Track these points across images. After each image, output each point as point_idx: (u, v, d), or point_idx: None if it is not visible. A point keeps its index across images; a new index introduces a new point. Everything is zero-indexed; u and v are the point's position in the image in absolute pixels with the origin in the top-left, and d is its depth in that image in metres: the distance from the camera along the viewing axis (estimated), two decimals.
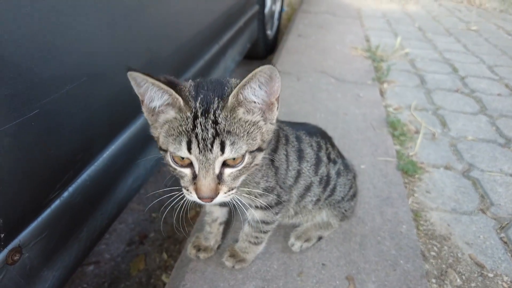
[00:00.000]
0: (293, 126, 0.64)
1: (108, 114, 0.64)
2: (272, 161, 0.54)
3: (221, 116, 0.40)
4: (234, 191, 0.45)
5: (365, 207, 0.79)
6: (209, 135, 0.40)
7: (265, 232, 0.60)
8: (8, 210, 0.45)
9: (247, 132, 0.42)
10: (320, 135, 0.67)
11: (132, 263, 0.97)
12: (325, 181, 0.63)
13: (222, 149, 0.40)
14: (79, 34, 0.52)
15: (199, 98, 0.41)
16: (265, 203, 0.53)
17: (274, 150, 0.55)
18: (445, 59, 1.80)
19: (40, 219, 0.53)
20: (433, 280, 0.66)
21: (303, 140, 0.62)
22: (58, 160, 0.53)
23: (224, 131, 0.40)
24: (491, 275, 0.68)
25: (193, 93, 0.42)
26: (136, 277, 0.94)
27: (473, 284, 0.66)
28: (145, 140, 0.75)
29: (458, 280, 0.66)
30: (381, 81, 1.47)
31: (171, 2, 0.82)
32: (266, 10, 2.22)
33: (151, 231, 1.07)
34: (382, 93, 1.38)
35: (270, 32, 2.51)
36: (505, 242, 0.75)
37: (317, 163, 0.61)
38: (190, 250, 0.65)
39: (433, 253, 0.71)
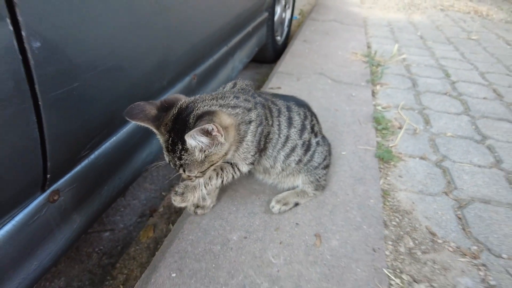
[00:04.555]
0: (284, 98, 0.79)
1: (128, 97, 0.80)
2: (268, 133, 0.69)
3: (183, 156, 0.60)
4: (200, 178, 0.65)
5: (340, 184, 0.92)
6: (176, 163, 0.61)
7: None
8: (55, 158, 0.61)
9: (199, 162, 0.61)
10: (307, 107, 0.81)
11: (142, 231, 1.13)
12: (307, 146, 0.77)
13: (183, 171, 0.62)
14: (110, 31, 0.68)
15: (170, 139, 0.60)
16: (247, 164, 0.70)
17: (271, 124, 0.70)
18: (440, 65, 1.91)
19: (73, 171, 0.69)
20: (390, 242, 0.79)
21: (292, 109, 0.77)
22: (89, 125, 0.69)
23: (184, 164, 0.61)
24: (440, 241, 0.80)
25: (169, 126, 0.60)
26: (145, 243, 1.09)
27: (423, 247, 0.78)
28: None
29: (411, 243, 0.79)
30: (375, 83, 1.59)
31: (186, 7, 0.98)
32: (276, 17, 2.37)
33: (160, 206, 1.21)
34: (374, 94, 1.51)
35: (279, 38, 2.67)
36: (460, 218, 0.87)
37: (302, 129, 0.76)
38: (189, 207, 0.80)
39: (394, 223, 0.84)
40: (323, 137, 0.83)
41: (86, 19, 0.60)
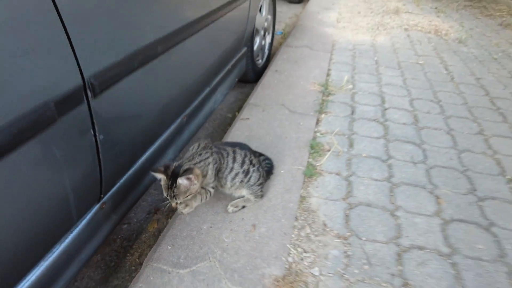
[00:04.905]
0: (232, 145, 1.32)
1: (140, 143, 1.34)
2: (219, 169, 1.23)
3: (174, 190, 1.11)
4: (183, 204, 1.16)
5: (274, 193, 1.46)
6: (171, 195, 1.13)
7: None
8: (105, 185, 1.15)
9: (184, 193, 1.13)
10: (247, 149, 1.35)
11: (149, 224, 1.67)
12: (246, 172, 1.31)
13: (174, 199, 1.12)
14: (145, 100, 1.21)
15: (170, 180, 1.11)
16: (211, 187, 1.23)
17: (222, 163, 1.24)
18: (381, 92, 2.43)
19: (113, 190, 1.23)
20: (296, 230, 1.33)
21: (236, 152, 1.30)
22: (122, 165, 1.23)
23: (175, 195, 1.13)
24: (328, 229, 1.34)
25: (170, 174, 1.11)
26: (152, 232, 1.63)
27: (316, 233, 1.32)
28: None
29: (309, 230, 1.33)
30: (321, 112, 2.12)
31: (182, 62, 1.47)
32: (255, 47, 2.87)
33: (162, 206, 1.75)
34: (318, 122, 2.03)
35: (260, 61, 3.18)
36: (346, 216, 1.41)
37: (242, 163, 1.29)
38: (179, 211, 1.34)
39: (302, 218, 1.38)
40: (259, 166, 1.37)
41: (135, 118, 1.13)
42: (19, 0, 0.67)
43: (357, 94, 2.38)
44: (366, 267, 1.21)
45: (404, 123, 2.07)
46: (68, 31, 0.78)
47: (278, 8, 5.60)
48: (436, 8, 5.24)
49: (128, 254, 1.50)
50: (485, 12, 5.16)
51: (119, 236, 1.60)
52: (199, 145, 1.28)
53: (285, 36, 3.74)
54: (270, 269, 1.17)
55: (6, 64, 0.65)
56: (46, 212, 0.83)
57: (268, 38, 3.27)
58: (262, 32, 2.97)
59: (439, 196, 1.54)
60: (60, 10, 0.75)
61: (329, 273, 1.17)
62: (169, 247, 1.22)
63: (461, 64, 3.05)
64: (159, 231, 1.56)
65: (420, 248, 1.29)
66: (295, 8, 5.69)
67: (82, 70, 0.83)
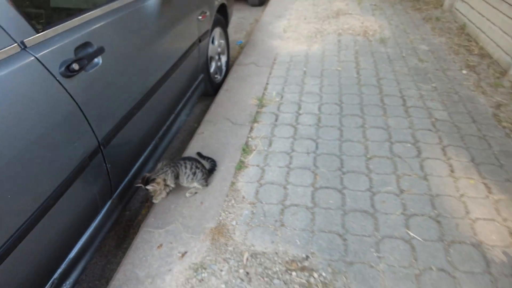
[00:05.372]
0: (183, 159, 2.29)
1: (132, 158, 2.30)
2: (178, 175, 2.21)
3: (147, 189, 2.09)
4: (157, 196, 2.13)
5: (215, 182, 2.44)
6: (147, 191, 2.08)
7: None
8: (114, 190, 2.11)
9: (154, 191, 2.12)
10: (193, 159, 2.32)
11: (143, 210, 2.66)
12: (194, 173, 2.27)
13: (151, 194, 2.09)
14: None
15: (146, 187, 2.09)
16: (171, 185, 2.21)
17: (178, 170, 2.21)
18: (300, 101, 3.36)
19: (118, 190, 2.20)
20: (225, 202, 2.31)
21: (186, 162, 2.27)
22: (123, 178, 2.22)
23: (150, 192, 2.09)
24: (244, 200, 2.32)
25: (145, 183, 2.08)
26: (144, 214, 2.62)
27: (237, 202, 2.30)
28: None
29: (233, 201, 2.31)
30: (254, 121, 3.07)
31: (153, 105, 2.44)
32: (212, 69, 3.75)
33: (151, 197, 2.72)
34: (251, 129, 2.98)
35: (219, 77, 4.05)
36: (257, 190, 2.39)
37: (191, 168, 2.26)
38: (155, 197, 2.32)
39: (230, 195, 2.36)
40: (202, 168, 2.33)
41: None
42: (40, 97, 1.62)
43: (282, 104, 3.32)
44: (262, 218, 2.20)
45: (309, 125, 3.03)
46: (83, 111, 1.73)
47: (240, 14, 6.39)
48: (375, 5, 6.04)
49: (131, 229, 2.49)
50: (416, 5, 5.97)
51: (124, 219, 2.59)
52: (162, 163, 2.24)
53: (241, 49, 4.61)
54: (209, 224, 2.16)
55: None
56: (88, 206, 1.80)
57: (224, 58, 4.15)
58: (217, 57, 3.85)
59: (317, 174, 2.52)
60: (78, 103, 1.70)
61: (241, 223, 2.17)
62: (153, 219, 2.21)
63: (372, 66, 3.97)
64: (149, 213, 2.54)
65: (296, 205, 2.28)
66: (256, 11, 6.42)
67: (97, 136, 1.79)
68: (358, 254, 1.96)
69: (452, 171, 2.52)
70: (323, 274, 1.86)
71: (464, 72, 3.93)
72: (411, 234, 2.07)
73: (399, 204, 2.26)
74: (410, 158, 2.63)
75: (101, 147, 1.80)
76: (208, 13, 3.21)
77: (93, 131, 1.75)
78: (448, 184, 2.41)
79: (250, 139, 2.88)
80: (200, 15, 3.00)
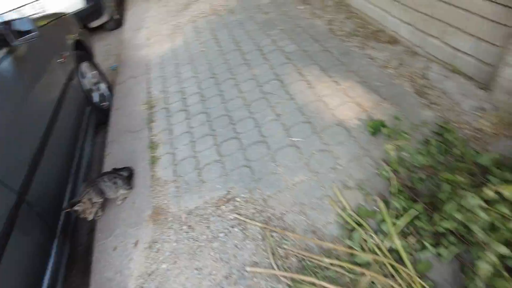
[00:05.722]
0: (101, 175, 2.61)
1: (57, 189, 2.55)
2: (101, 191, 2.52)
3: (78, 211, 2.38)
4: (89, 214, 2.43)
5: (138, 182, 2.80)
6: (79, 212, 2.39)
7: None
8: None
9: (83, 211, 2.40)
10: (110, 172, 2.65)
11: (91, 238, 2.91)
12: (115, 182, 2.61)
13: (83, 213, 2.40)
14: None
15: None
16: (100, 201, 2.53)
17: (100, 187, 2.53)
18: (182, 88, 3.77)
19: None
20: (152, 192, 2.70)
21: (105, 177, 2.58)
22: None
23: (80, 213, 2.38)
24: (166, 182, 2.73)
25: (72, 206, 2.38)
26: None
27: (161, 187, 2.71)
28: None
29: (159, 188, 2.71)
30: (150, 122, 3.44)
31: (52, 149, 2.68)
32: (98, 99, 3.98)
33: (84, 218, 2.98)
34: (151, 129, 3.36)
35: (107, 103, 4.30)
36: (174, 170, 2.81)
37: (110, 179, 2.59)
38: (87, 215, 2.61)
39: (154, 184, 2.75)
40: (121, 176, 2.67)
41: None
42: None
43: (168, 97, 3.73)
44: (186, 186, 2.64)
45: (196, 102, 3.50)
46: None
47: (104, 42, 6.51)
48: None
49: (89, 257, 2.74)
50: None
51: (80, 253, 2.82)
52: (83, 185, 2.53)
53: (117, 68, 4.85)
54: (146, 213, 2.54)
55: None
56: (36, 250, 2.06)
57: (103, 85, 4.36)
58: (95, 87, 4.07)
59: (216, 134, 3.02)
60: None
61: (171, 198, 2.58)
62: (100, 234, 2.52)
63: (228, 35, 4.54)
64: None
65: (208, 164, 2.76)
66: (118, 33, 6.54)
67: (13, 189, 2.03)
68: (262, 171, 2.53)
69: (309, 83, 3.22)
70: (243, 195, 2.39)
71: (301, 7, 4.71)
72: (294, 139, 2.70)
73: (280, 125, 2.87)
74: (277, 90, 3.26)
75: (21, 197, 2.06)
76: (67, 53, 3.42)
77: (7, 186, 1.99)
78: (308, 94, 3.09)
79: (153, 137, 3.26)
80: (59, 59, 3.21)
